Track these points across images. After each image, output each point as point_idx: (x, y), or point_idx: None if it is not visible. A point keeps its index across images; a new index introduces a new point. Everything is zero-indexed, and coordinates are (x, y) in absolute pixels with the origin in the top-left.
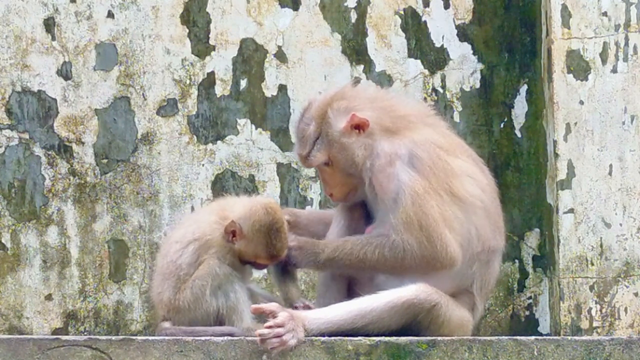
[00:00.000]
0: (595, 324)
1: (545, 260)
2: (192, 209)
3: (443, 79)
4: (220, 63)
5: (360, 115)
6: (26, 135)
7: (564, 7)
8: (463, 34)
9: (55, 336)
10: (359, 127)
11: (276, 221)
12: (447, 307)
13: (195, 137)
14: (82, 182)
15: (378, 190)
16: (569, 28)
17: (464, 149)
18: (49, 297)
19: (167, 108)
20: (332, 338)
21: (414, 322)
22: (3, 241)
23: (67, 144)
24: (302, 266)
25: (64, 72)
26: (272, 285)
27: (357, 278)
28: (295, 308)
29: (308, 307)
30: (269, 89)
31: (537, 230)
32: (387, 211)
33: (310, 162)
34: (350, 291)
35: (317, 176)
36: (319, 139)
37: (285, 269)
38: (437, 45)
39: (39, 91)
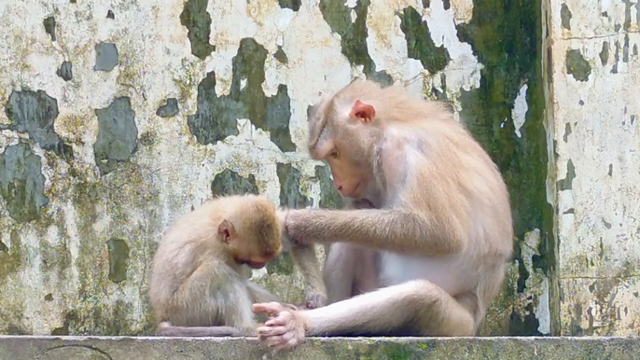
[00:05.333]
0: (595, 324)
1: (545, 260)
2: (192, 209)
3: (443, 79)
4: (220, 63)
5: (365, 102)
6: (26, 135)
7: (564, 7)
8: (463, 34)
9: (55, 336)
10: (364, 114)
11: (266, 218)
12: (447, 304)
13: (195, 137)
14: (82, 182)
15: (387, 173)
16: (569, 28)
17: (476, 148)
18: (49, 297)
19: (167, 108)
20: (332, 338)
21: (414, 319)
22: (3, 241)
23: (67, 144)
24: (306, 242)
25: (64, 72)
26: (272, 285)
27: (362, 279)
28: (307, 304)
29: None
30: (269, 89)
31: (537, 230)
32: (396, 192)
33: (317, 151)
34: (354, 291)
35: (318, 176)
36: (325, 127)
37: (300, 248)
38: (437, 45)
39: (39, 91)
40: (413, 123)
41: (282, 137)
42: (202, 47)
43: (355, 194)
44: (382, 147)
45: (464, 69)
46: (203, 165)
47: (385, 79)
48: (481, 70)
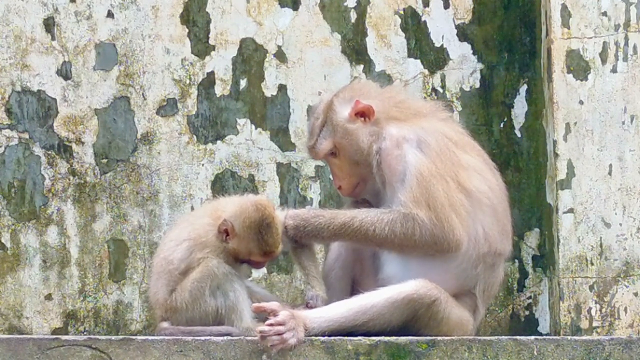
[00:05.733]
0: (595, 324)
1: (545, 260)
2: (192, 209)
3: (443, 79)
4: (220, 63)
5: (365, 102)
6: (26, 135)
7: (564, 7)
8: (463, 34)
9: (55, 336)
10: (364, 114)
11: (266, 217)
12: (447, 304)
13: (195, 137)
14: (82, 182)
15: (386, 172)
16: (569, 28)
17: (476, 148)
18: (49, 297)
19: (167, 108)
20: (332, 338)
21: (414, 319)
22: (3, 241)
23: (67, 144)
24: (306, 242)
25: (64, 72)
26: (272, 285)
27: (361, 279)
28: (307, 304)
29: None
30: (269, 89)
31: (537, 230)
32: (396, 192)
33: (317, 151)
34: (354, 290)
35: (318, 176)
36: (324, 127)
37: (300, 247)
38: (437, 45)
39: (39, 91)
40: (412, 123)
41: (282, 137)
42: (202, 47)
43: (355, 194)
44: (382, 146)
45: (464, 69)
46: (203, 165)
47: (385, 79)
48: (481, 70)
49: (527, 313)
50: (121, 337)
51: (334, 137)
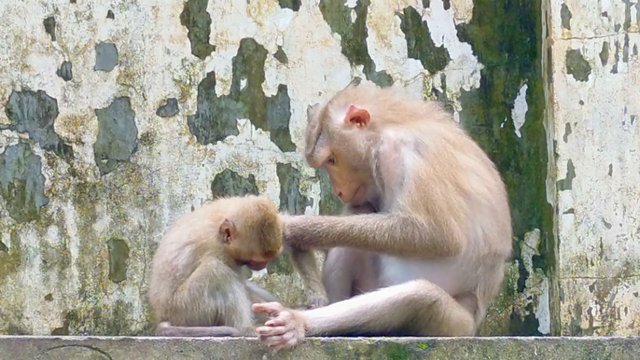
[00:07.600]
0: (595, 324)
1: (545, 260)
2: (192, 209)
3: (443, 79)
4: (220, 63)
5: (359, 107)
6: (26, 135)
7: (564, 7)
8: (463, 34)
9: (55, 336)
10: (359, 119)
11: (268, 217)
12: (447, 304)
13: (195, 137)
14: (82, 182)
15: (385, 176)
16: (569, 28)
17: (473, 148)
18: (49, 297)
19: (167, 108)
20: (332, 338)
21: (414, 320)
22: (3, 241)
23: (67, 144)
24: (305, 248)
25: (64, 72)
26: (272, 285)
27: (361, 279)
28: (308, 307)
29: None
30: (269, 89)
31: (537, 230)
32: (394, 195)
33: (314, 159)
34: (353, 291)
35: (318, 176)
36: (320, 135)
37: (300, 252)
38: (437, 45)
39: (39, 91)
40: (409, 124)
41: (282, 137)
42: (202, 47)
43: (356, 199)
44: (380, 150)
45: (464, 69)
46: (203, 165)
47: (385, 79)
48: (481, 70)
49: (527, 313)
50: (121, 337)
51: (331, 144)
